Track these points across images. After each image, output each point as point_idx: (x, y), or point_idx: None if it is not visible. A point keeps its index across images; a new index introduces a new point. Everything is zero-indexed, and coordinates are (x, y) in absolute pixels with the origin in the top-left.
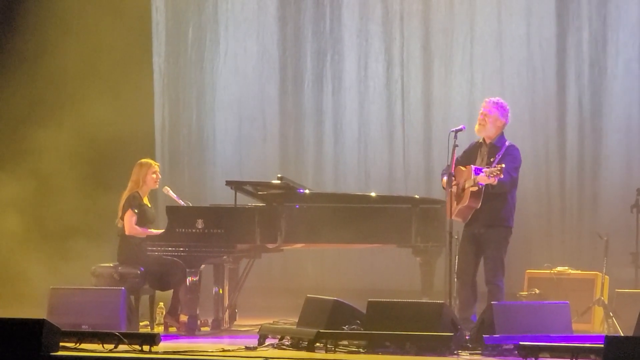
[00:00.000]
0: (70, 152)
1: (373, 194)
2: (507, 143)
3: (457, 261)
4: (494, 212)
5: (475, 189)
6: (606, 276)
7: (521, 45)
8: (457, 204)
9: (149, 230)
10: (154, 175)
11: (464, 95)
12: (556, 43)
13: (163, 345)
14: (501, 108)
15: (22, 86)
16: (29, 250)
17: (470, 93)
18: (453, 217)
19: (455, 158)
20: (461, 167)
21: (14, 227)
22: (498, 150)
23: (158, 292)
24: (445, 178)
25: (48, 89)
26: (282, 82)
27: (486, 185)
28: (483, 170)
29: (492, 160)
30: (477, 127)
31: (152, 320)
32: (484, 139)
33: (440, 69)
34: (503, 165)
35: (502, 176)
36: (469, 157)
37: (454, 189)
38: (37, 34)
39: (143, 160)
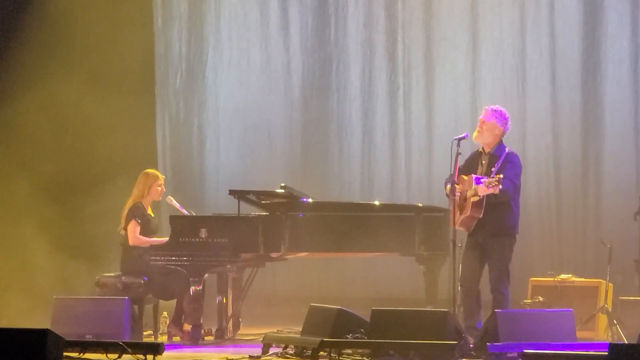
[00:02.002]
0: (71, 162)
1: (377, 203)
2: (506, 150)
3: (460, 269)
4: (498, 221)
5: (476, 199)
6: (610, 283)
7: (523, 53)
8: (460, 213)
9: (153, 239)
10: (159, 188)
11: (466, 103)
12: (557, 50)
13: (167, 355)
14: (500, 116)
15: (22, 95)
16: (33, 259)
17: (472, 101)
18: (457, 227)
19: (458, 166)
20: (463, 177)
21: (17, 236)
22: (497, 159)
23: (162, 302)
24: (449, 186)
25: (49, 97)
26: (285, 92)
27: (489, 195)
28: (482, 180)
29: (492, 169)
30: (475, 134)
31: (155, 329)
32: (483, 148)
33: (442, 77)
34: (501, 176)
35: (500, 186)
36: (470, 166)
37: (457, 198)
38: (38, 41)
39: (149, 170)
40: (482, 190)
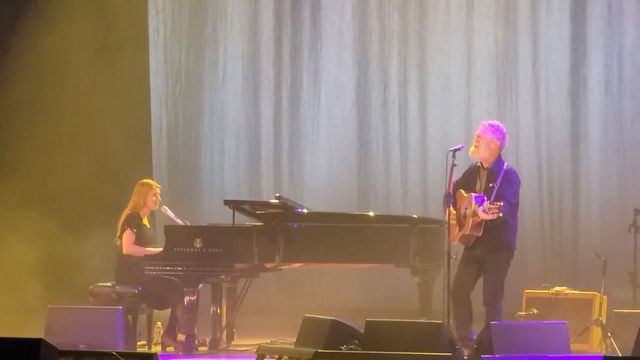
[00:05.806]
0: (67, 172)
1: (371, 214)
2: (505, 167)
3: (453, 280)
4: (496, 238)
5: (477, 219)
6: (604, 296)
7: (517, 66)
8: (459, 230)
9: (147, 249)
10: (154, 197)
11: (460, 115)
12: (553, 63)
13: None
14: (496, 130)
15: (20, 106)
16: (28, 269)
17: (466, 113)
18: (455, 242)
19: (453, 177)
20: (462, 192)
21: (14, 247)
22: (496, 175)
23: (156, 312)
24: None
25: (44, 106)
26: (277, 103)
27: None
28: (482, 205)
29: (490, 185)
30: (471, 148)
31: (149, 339)
32: (481, 163)
33: (437, 88)
34: (501, 204)
35: (500, 214)
36: (468, 180)
37: (455, 212)
38: (31, 46)
39: (145, 180)
40: (482, 216)
